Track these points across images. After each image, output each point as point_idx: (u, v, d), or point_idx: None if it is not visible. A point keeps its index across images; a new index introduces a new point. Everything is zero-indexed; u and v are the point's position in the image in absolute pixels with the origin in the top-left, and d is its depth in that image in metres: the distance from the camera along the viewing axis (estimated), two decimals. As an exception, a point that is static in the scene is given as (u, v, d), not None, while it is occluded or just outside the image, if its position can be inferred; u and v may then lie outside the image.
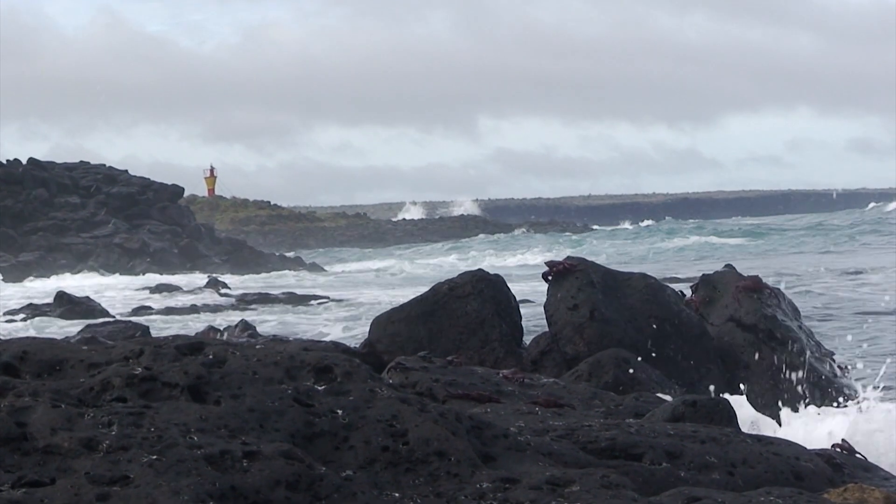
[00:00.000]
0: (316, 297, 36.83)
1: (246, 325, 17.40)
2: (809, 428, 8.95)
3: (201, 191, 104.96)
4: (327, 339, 17.99)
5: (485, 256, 69.30)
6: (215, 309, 34.76)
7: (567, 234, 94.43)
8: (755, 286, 11.40)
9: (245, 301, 36.31)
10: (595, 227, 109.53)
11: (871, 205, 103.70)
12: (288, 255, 70.24)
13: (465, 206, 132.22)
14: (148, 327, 19.93)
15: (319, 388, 6.05)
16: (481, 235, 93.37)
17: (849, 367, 11.73)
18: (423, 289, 12.11)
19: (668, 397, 8.87)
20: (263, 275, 56.86)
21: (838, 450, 7.84)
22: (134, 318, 27.85)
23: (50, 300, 32.06)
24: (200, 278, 48.25)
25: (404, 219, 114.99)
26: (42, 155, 70.98)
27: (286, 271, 59.16)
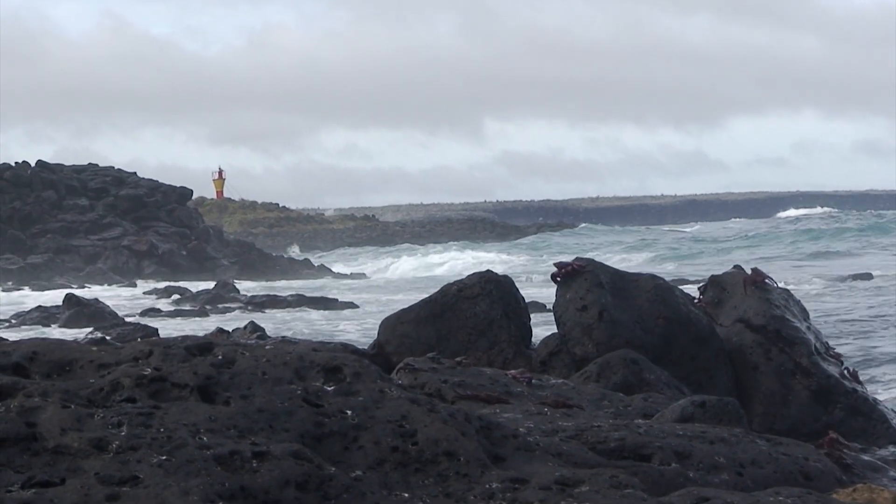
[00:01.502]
0: (326, 300, 36.87)
1: (255, 327, 17.37)
2: None
3: (209, 193, 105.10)
4: (337, 339, 17.99)
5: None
6: (224, 311, 34.83)
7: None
8: (758, 278, 11.41)
9: (254, 303, 36.34)
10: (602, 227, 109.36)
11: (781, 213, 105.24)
12: (297, 256, 70.23)
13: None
14: (157, 329, 19.95)
15: (329, 388, 6.06)
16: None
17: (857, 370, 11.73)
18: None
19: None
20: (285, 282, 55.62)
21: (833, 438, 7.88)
22: (143, 321, 27.92)
23: (59, 303, 32.01)
24: (211, 283, 48.06)
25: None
26: (48, 157, 71.28)
27: (312, 280, 57.83)
